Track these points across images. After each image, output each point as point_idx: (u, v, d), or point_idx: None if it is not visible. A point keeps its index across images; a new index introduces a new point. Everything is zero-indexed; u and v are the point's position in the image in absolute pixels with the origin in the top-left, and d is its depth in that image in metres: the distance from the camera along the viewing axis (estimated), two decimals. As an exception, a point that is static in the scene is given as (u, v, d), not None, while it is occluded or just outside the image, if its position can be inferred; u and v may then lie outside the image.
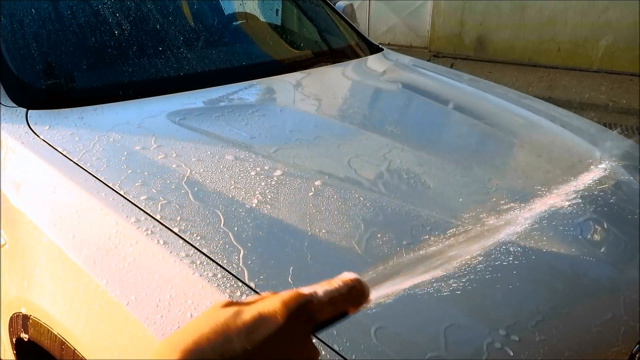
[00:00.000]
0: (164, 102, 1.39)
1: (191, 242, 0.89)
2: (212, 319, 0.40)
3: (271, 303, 0.42)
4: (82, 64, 1.49)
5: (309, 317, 0.42)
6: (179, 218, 0.94)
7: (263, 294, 0.44)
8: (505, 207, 1.10)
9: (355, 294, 0.45)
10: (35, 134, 1.19)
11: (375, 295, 0.48)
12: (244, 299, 0.41)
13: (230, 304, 0.42)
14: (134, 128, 1.26)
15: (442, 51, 6.89)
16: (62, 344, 0.94)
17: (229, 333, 0.39)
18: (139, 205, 0.97)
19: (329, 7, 2.25)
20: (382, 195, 1.08)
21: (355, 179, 1.12)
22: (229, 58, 1.77)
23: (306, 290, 0.44)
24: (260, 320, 0.40)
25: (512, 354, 0.79)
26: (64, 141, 1.16)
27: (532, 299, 0.89)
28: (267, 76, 1.65)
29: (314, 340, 0.45)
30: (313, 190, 1.06)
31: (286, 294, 0.43)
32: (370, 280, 0.49)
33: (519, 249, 0.98)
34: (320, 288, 0.44)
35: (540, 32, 6.19)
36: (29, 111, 1.27)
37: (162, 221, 0.93)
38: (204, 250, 0.88)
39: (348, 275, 0.46)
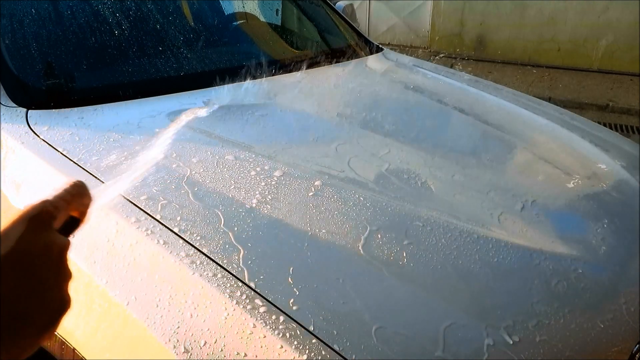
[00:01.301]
0: (164, 102, 1.39)
1: (191, 242, 0.89)
2: None
3: (12, 218, 0.46)
4: (82, 64, 1.49)
5: (48, 218, 0.47)
6: (179, 218, 0.94)
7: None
8: (504, 206, 1.10)
9: (81, 190, 0.51)
10: (35, 134, 1.19)
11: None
12: None
13: None
14: (134, 128, 1.26)
15: (442, 51, 6.89)
16: (62, 343, 0.94)
17: None
18: (139, 205, 0.97)
19: (329, 7, 2.25)
20: (382, 195, 1.08)
21: (356, 179, 1.12)
22: (228, 58, 1.77)
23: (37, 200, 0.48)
24: (4, 233, 0.44)
25: (512, 354, 0.79)
26: (64, 141, 1.16)
27: (532, 299, 0.89)
28: (267, 76, 1.65)
29: None
30: (313, 190, 1.06)
31: (25, 207, 0.47)
32: None
33: (518, 248, 0.98)
34: (50, 195, 0.49)
35: (540, 32, 6.19)
36: (29, 111, 1.27)
37: (162, 221, 0.93)
38: (204, 250, 0.88)
39: (72, 180, 0.51)
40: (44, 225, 0.46)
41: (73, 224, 0.50)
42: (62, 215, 0.48)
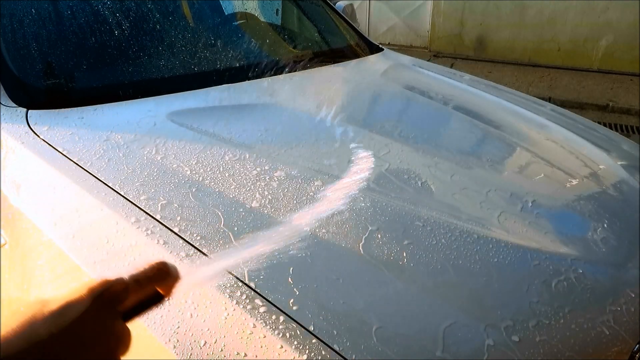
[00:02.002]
0: (164, 102, 1.39)
1: (191, 242, 0.89)
2: (20, 313, 0.43)
3: (77, 290, 0.44)
4: (82, 64, 1.49)
5: (113, 299, 0.45)
6: (179, 218, 0.94)
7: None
8: (504, 206, 1.10)
9: (160, 273, 0.48)
10: (35, 134, 1.19)
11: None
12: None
13: (39, 299, 0.45)
14: (134, 128, 1.26)
15: (442, 51, 6.89)
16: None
17: (35, 321, 0.41)
18: (139, 205, 0.97)
19: (329, 7, 2.25)
20: (382, 195, 1.08)
21: (356, 179, 1.12)
22: (228, 58, 1.77)
23: (113, 277, 0.47)
24: (66, 306, 0.43)
25: (512, 354, 0.79)
26: (64, 141, 1.16)
27: (532, 299, 0.89)
28: (267, 76, 1.65)
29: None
30: (313, 190, 1.06)
31: (92, 281, 0.46)
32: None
33: (518, 248, 0.98)
34: (127, 273, 0.47)
35: (540, 32, 6.20)
36: (29, 111, 1.27)
37: (162, 221, 0.93)
38: (204, 250, 0.88)
39: (156, 260, 0.50)
40: (106, 307, 0.44)
41: (155, 299, 0.49)
42: (132, 296, 0.47)
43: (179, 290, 0.50)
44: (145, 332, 0.80)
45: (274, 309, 0.78)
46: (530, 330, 0.83)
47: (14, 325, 0.41)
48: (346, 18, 2.26)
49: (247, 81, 1.60)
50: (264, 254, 0.70)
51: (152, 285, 0.48)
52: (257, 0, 2.28)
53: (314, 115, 1.46)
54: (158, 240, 0.89)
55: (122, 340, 0.45)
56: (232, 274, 0.84)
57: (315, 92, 1.64)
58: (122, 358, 0.45)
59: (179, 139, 1.21)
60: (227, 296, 0.80)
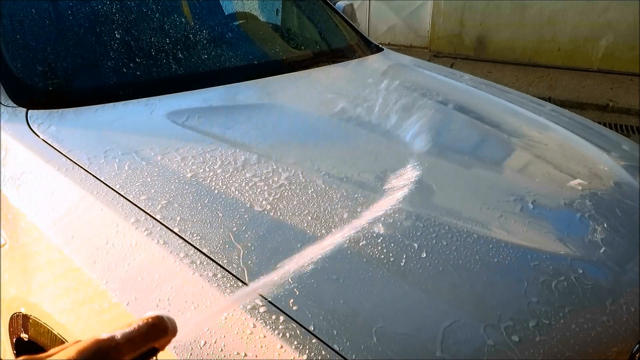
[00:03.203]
0: (164, 102, 1.39)
1: (191, 242, 0.89)
2: None
3: (65, 352, 0.42)
4: (82, 64, 1.49)
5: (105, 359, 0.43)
6: (179, 218, 0.94)
7: (66, 344, 0.45)
8: (504, 206, 1.10)
9: (156, 330, 0.47)
10: (35, 134, 1.19)
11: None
12: (44, 353, 0.42)
13: (27, 359, 0.43)
14: (134, 128, 1.26)
15: (442, 51, 6.89)
16: (62, 343, 0.93)
17: None
18: (139, 205, 0.97)
19: (329, 7, 2.25)
20: (382, 195, 1.08)
21: (357, 180, 1.12)
22: (228, 58, 1.77)
23: (105, 335, 0.44)
24: None
25: (512, 354, 0.79)
26: (64, 141, 1.16)
27: (532, 299, 0.89)
28: (267, 76, 1.65)
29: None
30: (313, 190, 1.06)
31: (83, 342, 0.43)
32: None
33: (518, 248, 0.98)
34: (120, 331, 0.45)
35: (540, 32, 6.20)
36: (29, 111, 1.27)
37: (162, 221, 0.93)
38: (204, 250, 0.88)
39: (149, 314, 0.48)
40: None
41: (149, 354, 0.47)
42: (125, 356, 0.44)
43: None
44: (145, 332, 0.80)
45: (274, 309, 0.78)
46: (530, 330, 0.83)
47: None
48: (346, 18, 2.25)
49: (247, 81, 1.60)
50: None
51: (147, 344, 0.46)
52: (257, 0, 2.28)
53: (314, 115, 1.46)
54: (158, 240, 0.89)
55: None
56: (232, 274, 0.84)
57: (314, 92, 1.64)
58: None
59: (179, 139, 1.21)
60: (227, 296, 0.80)
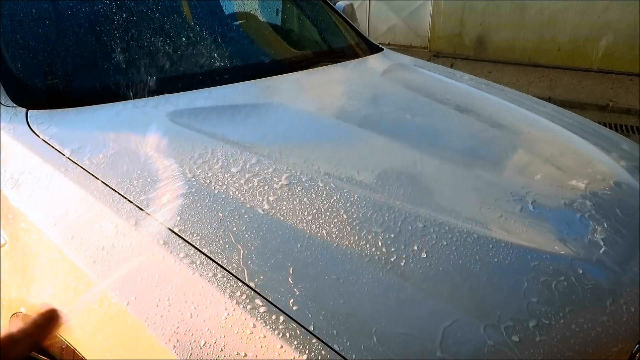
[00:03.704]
0: (164, 102, 1.39)
1: (191, 242, 0.89)
2: None
3: None
4: (82, 64, 1.49)
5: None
6: (179, 218, 0.94)
7: None
8: (504, 206, 1.10)
9: (44, 320, 0.48)
10: (35, 134, 1.19)
11: None
12: None
13: None
14: (134, 128, 1.26)
15: (442, 51, 6.89)
16: (62, 343, 0.94)
17: None
18: (139, 205, 0.97)
19: (329, 7, 2.25)
20: (382, 195, 1.08)
21: (357, 180, 1.12)
22: (228, 58, 1.77)
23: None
24: None
25: (512, 354, 0.79)
26: (64, 141, 1.16)
27: (532, 299, 0.89)
28: (267, 76, 1.65)
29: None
30: (314, 190, 1.06)
31: None
32: None
33: (518, 248, 0.98)
34: (14, 325, 0.46)
35: (540, 32, 6.20)
36: (29, 111, 1.27)
37: (162, 221, 0.93)
38: (204, 250, 0.88)
39: (41, 307, 0.49)
40: None
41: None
42: (20, 347, 0.45)
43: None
44: (146, 332, 0.80)
45: (274, 309, 0.78)
46: (530, 330, 0.83)
47: None
48: (346, 18, 2.26)
49: (246, 81, 1.60)
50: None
51: (36, 331, 0.48)
52: (257, 0, 2.28)
53: (314, 115, 1.46)
54: (158, 240, 0.89)
55: None
56: (232, 274, 0.84)
57: (314, 92, 1.64)
58: None
59: (179, 139, 1.21)
60: (227, 296, 0.80)
